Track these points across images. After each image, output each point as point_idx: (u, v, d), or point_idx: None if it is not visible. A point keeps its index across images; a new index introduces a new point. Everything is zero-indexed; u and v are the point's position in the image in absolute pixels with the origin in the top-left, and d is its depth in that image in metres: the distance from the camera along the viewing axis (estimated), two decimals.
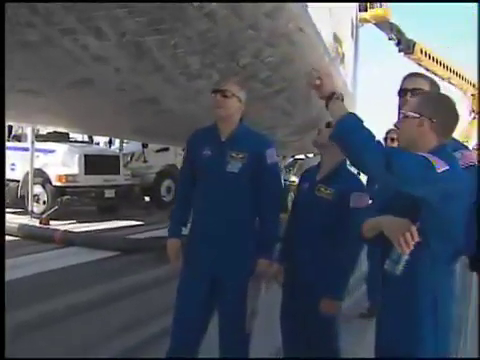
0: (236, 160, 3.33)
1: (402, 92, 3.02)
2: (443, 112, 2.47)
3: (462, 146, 2.85)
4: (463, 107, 30.96)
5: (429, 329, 2.36)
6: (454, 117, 2.51)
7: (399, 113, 2.90)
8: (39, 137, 13.45)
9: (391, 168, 2.15)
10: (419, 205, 2.31)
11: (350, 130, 2.26)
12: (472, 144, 29.75)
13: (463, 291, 7.30)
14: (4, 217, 4.63)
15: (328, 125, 3.25)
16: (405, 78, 3.07)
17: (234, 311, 3.35)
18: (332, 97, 2.41)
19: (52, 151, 13.24)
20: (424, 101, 2.50)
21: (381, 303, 2.64)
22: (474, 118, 30.30)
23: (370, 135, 2.24)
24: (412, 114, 2.44)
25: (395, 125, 2.68)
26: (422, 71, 24.85)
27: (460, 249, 2.49)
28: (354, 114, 2.33)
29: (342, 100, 2.44)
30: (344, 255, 3.21)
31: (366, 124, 2.30)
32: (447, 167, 2.24)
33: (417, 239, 2.27)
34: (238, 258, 3.33)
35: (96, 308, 5.80)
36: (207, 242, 3.36)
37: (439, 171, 2.21)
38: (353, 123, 2.29)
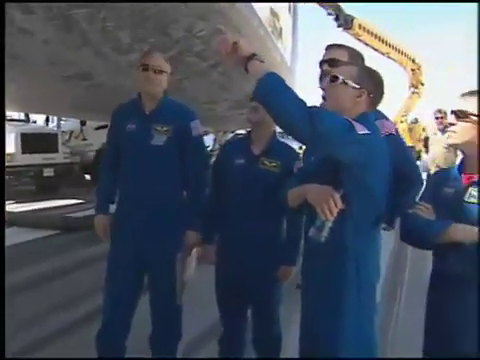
0: (161, 133, 3.31)
1: (320, 63, 3.07)
2: (379, 88, 2.58)
3: (382, 116, 2.91)
4: (403, 82, 31.50)
5: (352, 295, 2.44)
6: (383, 93, 2.61)
7: (321, 81, 2.95)
8: None
9: (316, 128, 2.14)
10: (342, 172, 2.36)
11: (273, 89, 2.21)
12: (410, 118, 30.38)
13: (398, 258, 7.53)
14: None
15: (253, 99, 3.25)
16: (325, 49, 3.12)
17: (163, 284, 3.38)
18: (252, 58, 2.33)
19: None
20: (365, 74, 2.56)
21: (305, 271, 2.70)
22: (413, 93, 30.79)
23: (294, 94, 2.22)
24: (353, 84, 2.49)
25: (322, 89, 2.72)
26: (361, 46, 25.15)
27: (381, 215, 2.57)
28: (275, 73, 2.28)
29: (262, 62, 2.36)
30: (293, 221, 3.28)
31: (308, 97, 2.28)
32: (368, 131, 2.31)
33: (340, 206, 2.33)
34: (165, 232, 3.35)
35: (35, 287, 5.75)
36: (133, 216, 3.36)
37: (359, 133, 2.26)
38: (275, 82, 2.25)
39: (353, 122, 2.29)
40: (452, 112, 2.48)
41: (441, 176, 2.73)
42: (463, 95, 2.50)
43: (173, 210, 3.38)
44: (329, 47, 3.11)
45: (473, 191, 2.45)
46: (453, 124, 2.47)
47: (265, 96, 2.24)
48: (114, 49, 5.41)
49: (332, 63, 2.94)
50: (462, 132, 2.45)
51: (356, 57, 3.06)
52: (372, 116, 2.58)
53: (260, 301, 3.39)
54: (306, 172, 2.74)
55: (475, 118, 2.42)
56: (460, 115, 2.45)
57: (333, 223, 2.34)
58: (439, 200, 2.56)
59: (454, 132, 2.47)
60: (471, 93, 2.48)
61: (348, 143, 2.28)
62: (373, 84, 2.55)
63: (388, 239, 3.11)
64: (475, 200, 2.43)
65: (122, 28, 4.97)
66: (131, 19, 4.84)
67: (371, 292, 2.57)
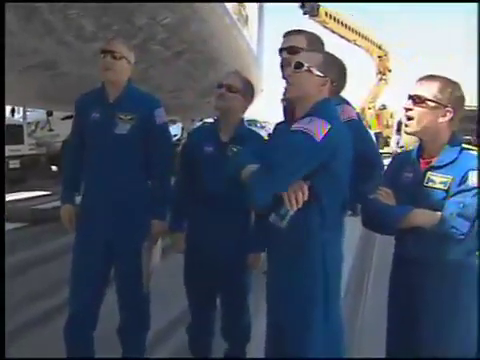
0: (125, 122, 3.28)
1: (280, 51, 3.04)
2: (343, 77, 2.63)
3: (343, 100, 2.90)
4: (370, 69, 31.72)
5: (319, 282, 2.46)
6: (346, 82, 2.68)
7: (283, 70, 2.95)
8: None
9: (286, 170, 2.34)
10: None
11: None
12: (377, 105, 30.67)
13: (366, 246, 7.59)
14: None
15: (220, 86, 3.24)
16: (283, 36, 3.09)
17: (130, 274, 3.35)
18: None
19: None
20: (329, 62, 2.56)
21: (270, 258, 2.71)
22: (381, 79, 31.07)
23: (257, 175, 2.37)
24: (317, 72, 2.49)
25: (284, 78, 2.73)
26: (327, 34, 25.23)
27: (346, 201, 2.59)
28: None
29: None
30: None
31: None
32: (328, 127, 2.33)
33: (306, 197, 2.34)
34: (131, 220, 3.32)
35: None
36: (99, 206, 3.33)
37: (319, 140, 2.30)
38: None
39: (309, 128, 2.33)
40: (409, 97, 2.50)
41: (400, 160, 2.77)
42: (420, 80, 2.52)
43: (138, 199, 3.36)
44: (287, 34, 3.06)
45: (431, 176, 2.49)
46: (410, 109, 2.49)
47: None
48: (77, 37, 5.35)
49: (291, 50, 2.91)
50: (419, 118, 2.47)
51: (315, 42, 3.02)
52: (333, 102, 2.59)
53: (229, 289, 3.39)
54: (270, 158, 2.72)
55: (431, 104, 2.45)
56: (417, 100, 2.47)
57: (298, 211, 2.36)
58: (399, 185, 2.60)
59: (411, 119, 2.49)
60: (428, 78, 2.51)
61: (311, 156, 2.35)
62: (337, 72, 2.58)
63: (355, 225, 3.13)
64: (433, 185, 2.47)
65: (85, 16, 4.91)
66: (94, 7, 4.79)
67: (337, 279, 2.60)
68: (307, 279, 2.47)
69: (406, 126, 2.54)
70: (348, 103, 2.96)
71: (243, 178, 2.51)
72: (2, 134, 5.97)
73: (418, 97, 2.46)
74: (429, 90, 2.45)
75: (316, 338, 2.48)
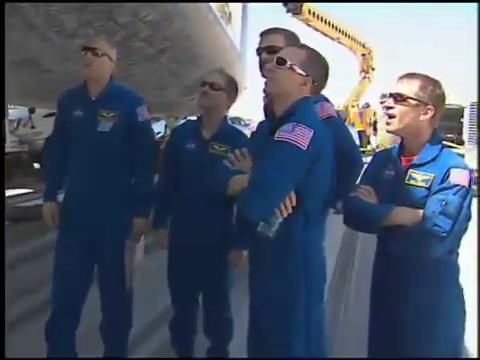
0: (107, 119, 3.28)
1: (258, 52, 3.02)
2: (325, 77, 2.56)
3: (321, 97, 2.87)
4: (353, 67, 31.84)
5: (301, 285, 2.45)
6: (327, 81, 2.60)
7: (261, 68, 2.94)
8: None
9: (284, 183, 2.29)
10: None
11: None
12: (361, 104, 30.77)
13: (351, 239, 7.63)
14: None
15: (203, 84, 3.25)
16: (260, 35, 3.06)
17: (113, 271, 3.37)
18: None
19: None
20: (313, 60, 2.51)
21: (251, 259, 2.71)
22: (364, 78, 31.17)
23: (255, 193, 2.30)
24: (300, 71, 2.45)
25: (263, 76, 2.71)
26: (310, 32, 25.23)
27: (328, 200, 2.59)
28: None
29: None
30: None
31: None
32: (312, 133, 2.29)
33: (294, 203, 2.34)
34: (113, 218, 3.32)
35: None
36: (82, 203, 3.33)
37: (305, 148, 2.27)
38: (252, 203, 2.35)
39: (293, 137, 2.29)
40: (390, 95, 2.50)
41: (381, 158, 2.78)
42: (400, 78, 2.53)
43: (121, 197, 3.37)
44: (265, 33, 3.04)
45: (413, 173, 2.50)
46: (391, 107, 2.50)
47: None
48: (59, 33, 5.28)
49: (271, 50, 2.88)
50: (401, 116, 2.48)
51: (292, 38, 2.99)
52: (312, 102, 2.56)
53: (211, 286, 3.41)
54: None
55: (413, 102, 2.46)
56: (398, 98, 2.48)
57: (284, 219, 2.36)
58: (380, 182, 2.61)
59: (393, 117, 2.50)
60: (409, 76, 2.52)
61: (302, 166, 2.32)
62: (319, 72, 2.53)
63: (338, 223, 3.13)
64: (415, 182, 2.48)
65: (67, 12, 4.85)
66: (76, 3, 4.74)
67: (320, 280, 2.59)
68: (289, 280, 2.46)
69: (387, 124, 2.55)
70: (327, 100, 2.93)
71: (231, 189, 2.48)
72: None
73: (399, 95, 2.47)
74: (410, 88, 2.46)
75: (297, 339, 2.47)
